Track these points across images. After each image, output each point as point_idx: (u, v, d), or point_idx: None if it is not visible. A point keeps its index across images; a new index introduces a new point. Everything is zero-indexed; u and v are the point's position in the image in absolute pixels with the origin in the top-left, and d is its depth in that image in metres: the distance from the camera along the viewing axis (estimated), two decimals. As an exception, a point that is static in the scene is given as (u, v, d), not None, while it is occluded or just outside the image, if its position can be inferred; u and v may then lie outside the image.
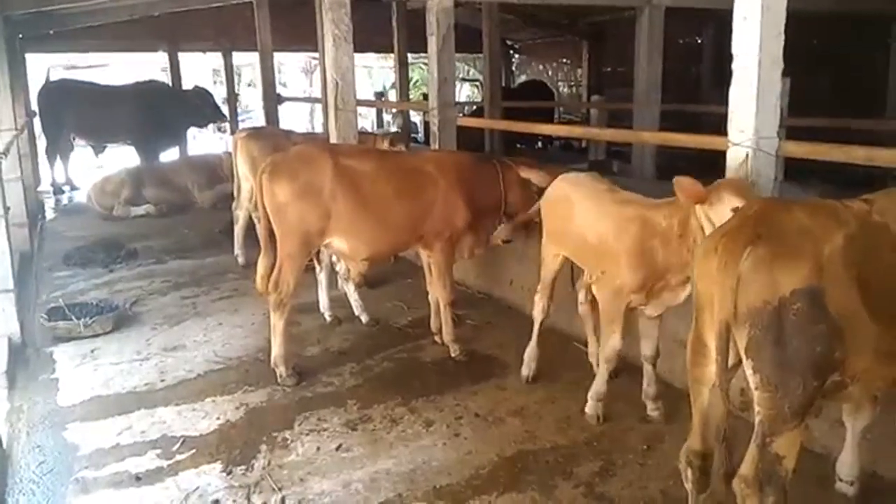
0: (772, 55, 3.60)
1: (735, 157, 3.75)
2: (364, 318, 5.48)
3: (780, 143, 3.79)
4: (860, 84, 10.82)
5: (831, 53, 10.91)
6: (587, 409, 3.90)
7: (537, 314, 4.35)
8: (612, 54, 15.14)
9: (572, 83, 17.18)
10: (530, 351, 4.41)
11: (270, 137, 7.13)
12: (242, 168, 6.91)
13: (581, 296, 4.33)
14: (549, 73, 17.85)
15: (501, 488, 3.29)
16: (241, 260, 7.08)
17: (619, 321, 3.64)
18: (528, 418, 3.97)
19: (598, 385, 3.87)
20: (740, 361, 2.37)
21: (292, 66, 21.66)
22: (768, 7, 3.51)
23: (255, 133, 7.29)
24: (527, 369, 4.41)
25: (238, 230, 7.14)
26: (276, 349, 4.47)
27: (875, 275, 2.40)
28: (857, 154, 3.60)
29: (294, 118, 16.85)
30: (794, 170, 7.28)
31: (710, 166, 4.33)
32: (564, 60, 17.41)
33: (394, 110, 14.75)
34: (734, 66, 3.70)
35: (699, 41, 13.02)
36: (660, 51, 8.97)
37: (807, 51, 9.84)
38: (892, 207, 2.69)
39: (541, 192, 4.57)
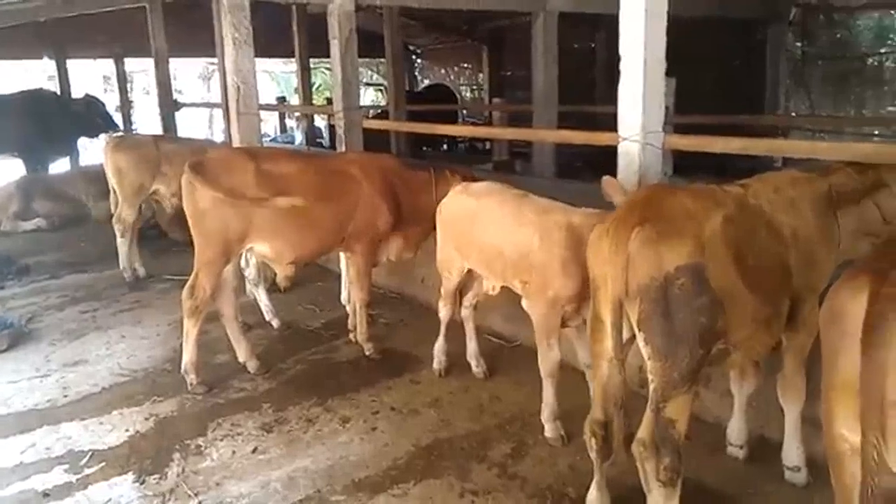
0: (656, 56, 3.85)
1: (625, 151, 3.99)
2: (275, 323, 5.45)
3: (665, 137, 4.06)
4: (740, 84, 11.60)
5: (714, 56, 11.63)
6: (548, 434, 3.64)
7: (444, 316, 4.48)
8: (511, 59, 15.55)
9: (474, 87, 17.52)
10: (439, 346, 4.52)
11: (137, 146, 6.84)
12: (110, 179, 6.68)
13: (467, 300, 4.42)
14: (452, 77, 18.14)
15: (419, 476, 3.38)
16: (127, 276, 6.73)
17: (555, 333, 3.51)
18: (442, 408, 4.08)
19: (549, 403, 3.63)
20: (634, 336, 2.56)
21: (189, 72, 21.05)
22: (651, 11, 3.76)
23: (121, 142, 6.98)
24: (437, 363, 4.50)
25: (120, 245, 6.75)
26: (187, 356, 4.39)
27: (751, 251, 2.65)
28: (735, 144, 3.91)
29: (192, 125, 16.37)
30: (683, 167, 7.78)
31: (606, 165, 4.56)
32: (466, 65, 17.74)
33: (298, 115, 14.61)
34: (622, 66, 3.93)
35: (593, 45, 13.58)
36: (555, 55, 9.29)
37: (692, 53, 10.41)
38: (766, 191, 2.98)
39: None
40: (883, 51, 11.44)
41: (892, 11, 10.93)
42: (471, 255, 4.03)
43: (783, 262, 2.81)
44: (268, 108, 12.16)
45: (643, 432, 2.50)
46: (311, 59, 13.13)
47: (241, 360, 4.63)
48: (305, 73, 12.61)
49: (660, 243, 2.44)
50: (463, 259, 4.11)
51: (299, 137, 14.27)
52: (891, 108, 10.92)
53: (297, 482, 3.39)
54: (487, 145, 13.43)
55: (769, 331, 2.80)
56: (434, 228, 4.77)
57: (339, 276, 5.83)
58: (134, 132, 12.73)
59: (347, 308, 5.66)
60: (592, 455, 2.81)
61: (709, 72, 11.24)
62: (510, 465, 3.46)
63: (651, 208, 2.58)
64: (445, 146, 14.87)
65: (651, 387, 2.48)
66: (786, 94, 11.68)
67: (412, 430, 3.83)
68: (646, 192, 2.80)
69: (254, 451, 3.69)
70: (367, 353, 4.83)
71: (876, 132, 10.69)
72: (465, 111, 16.41)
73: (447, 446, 3.66)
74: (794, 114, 11.62)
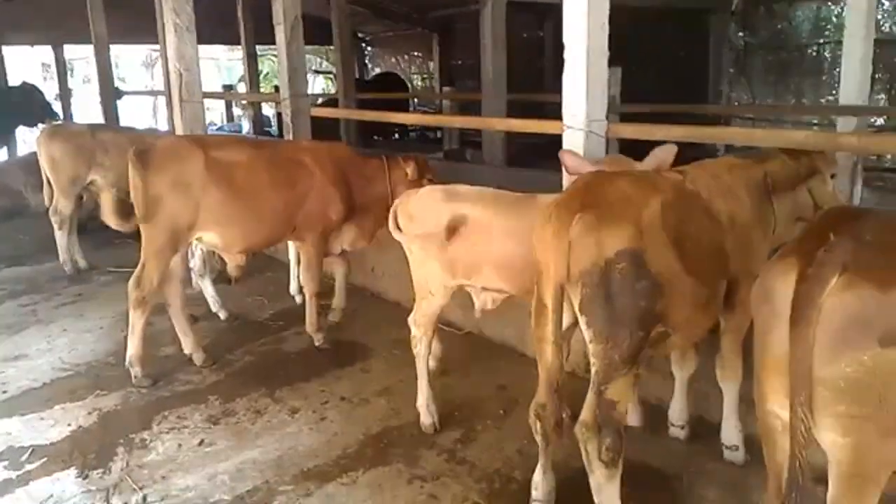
0: (598, 45, 3.91)
1: (570, 139, 4.04)
2: (223, 315, 5.37)
3: (609, 125, 4.12)
4: (685, 73, 11.83)
5: (660, 46, 11.82)
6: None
7: (423, 353, 3.68)
8: (461, 47, 15.52)
9: (425, 75, 17.46)
10: (426, 397, 3.72)
11: (72, 136, 6.65)
12: (44, 169, 6.49)
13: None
14: (403, 65, 18.04)
15: (368, 464, 3.39)
16: (67, 268, 6.59)
17: None
18: (393, 397, 4.09)
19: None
20: (577, 320, 2.61)
21: (132, 60, 20.48)
22: (594, 1, 3.80)
23: (55, 131, 6.77)
24: (428, 418, 3.70)
25: (59, 237, 6.58)
26: (133, 349, 4.31)
27: (689, 236, 2.71)
28: (676, 132, 3.98)
29: (136, 114, 15.94)
30: (630, 155, 7.90)
31: (556, 153, 4.59)
32: (416, 53, 17.66)
33: (244, 103, 14.36)
34: (566, 55, 3.98)
35: (541, 34, 13.66)
36: (504, 43, 9.32)
37: (638, 44, 10.57)
38: (703, 177, 3.05)
39: None
40: (821, 41, 11.78)
41: (830, 2, 11.28)
42: (478, 270, 3.42)
43: (720, 246, 2.88)
44: (212, 95, 11.92)
45: (585, 414, 2.55)
46: (259, 47, 12.92)
47: (187, 352, 4.56)
48: (252, 60, 12.41)
49: (600, 229, 2.48)
50: (456, 276, 3.48)
51: (246, 126, 14.05)
52: (829, 98, 11.27)
53: (245, 473, 3.36)
54: (439, 134, 13.42)
55: (707, 313, 2.88)
56: (387, 217, 4.77)
57: (287, 267, 5.77)
58: (72, 121, 12.32)
59: (297, 299, 5.63)
60: (538, 438, 2.86)
61: (655, 62, 11.42)
62: (459, 450, 3.49)
63: (591, 195, 2.62)
64: (397, 135, 14.81)
65: (593, 369, 2.53)
66: (728, 83, 11.97)
67: (362, 419, 3.83)
68: (586, 178, 2.84)
69: (200, 443, 3.64)
70: (317, 343, 4.80)
71: (815, 121, 11.02)
72: (416, 100, 16.36)
73: (397, 434, 3.67)
74: (736, 103, 11.91)
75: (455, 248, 3.41)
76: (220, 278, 5.75)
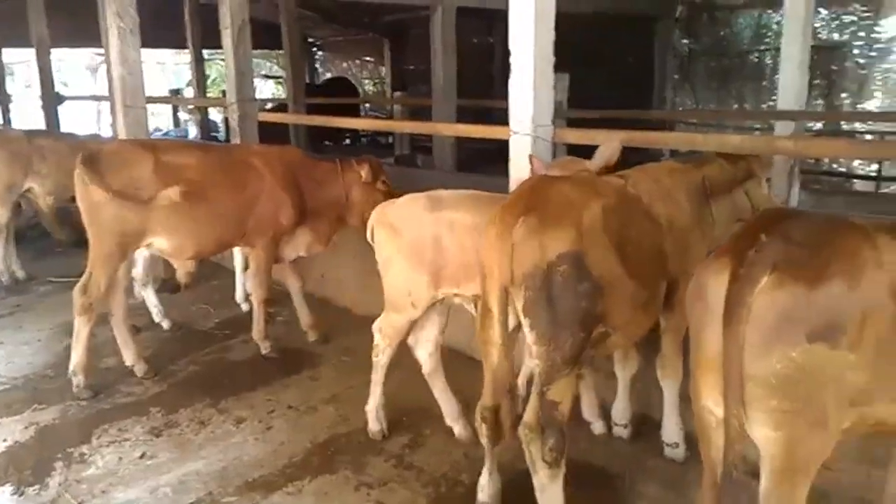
0: (544, 51, 3.94)
1: (517, 144, 4.07)
2: (166, 324, 5.26)
3: (555, 130, 4.16)
4: (631, 79, 12.06)
5: (607, 52, 12.04)
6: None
7: (384, 363, 3.60)
8: (412, 52, 15.55)
9: (377, 80, 17.44)
10: (375, 402, 3.68)
11: (7, 143, 6.42)
12: None
13: (427, 348, 3.63)
14: (354, 70, 17.99)
15: (314, 472, 3.36)
16: (4, 279, 6.40)
17: None
18: (341, 404, 4.05)
19: None
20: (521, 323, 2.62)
21: (76, 64, 19.93)
22: (540, 7, 3.84)
23: None
24: (376, 424, 3.68)
25: None
26: (77, 357, 4.21)
27: (630, 238, 2.76)
28: (619, 137, 4.05)
29: (79, 119, 15.51)
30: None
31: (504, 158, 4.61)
32: (368, 58, 17.63)
33: (191, 107, 14.12)
34: (512, 61, 4.00)
35: (491, 40, 13.77)
36: (454, 49, 9.38)
37: (585, 50, 10.72)
38: (644, 181, 3.11)
39: (388, 194, 4.38)
40: (761, 48, 12.15)
41: (770, 10, 11.65)
42: (468, 279, 3.21)
43: (660, 248, 2.94)
44: (157, 100, 11.69)
45: (529, 415, 2.57)
46: (207, 51, 12.72)
47: (128, 363, 4.45)
48: (199, 64, 12.21)
49: (542, 232, 2.50)
50: (440, 287, 3.32)
51: (193, 131, 13.81)
52: (770, 103, 11.62)
53: (189, 485, 3.30)
54: (390, 139, 13.41)
55: (647, 313, 2.93)
56: (343, 221, 4.74)
57: (233, 274, 5.68)
58: (10, 127, 11.92)
59: (243, 307, 5.55)
60: (483, 441, 2.87)
61: (602, 68, 11.62)
62: (407, 455, 3.48)
63: (534, 198, 2.64)
64: (348, 140, 14.74)
65: (536, 371, 2.56)
66: (673, 89, 12.26)
67: (309, 428, 3.79)
68: (530, 182, 2.86)
69: (142, 456, 3.56)
70: (264, 351, 4.73)
71: (757, 126, 11.37)
72: (367, 105, 16.32)
73: (345, 441, 3.64)
74: (680, 108, 12.20)
75: (443, 256, 3.27)
76: (164, 287, 5.64)
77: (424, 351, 3.59)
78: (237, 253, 5.50)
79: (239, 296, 5.58)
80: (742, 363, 1.92)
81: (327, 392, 4.21)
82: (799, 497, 2.03)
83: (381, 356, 3.58)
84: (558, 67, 4.05)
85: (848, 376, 1.94)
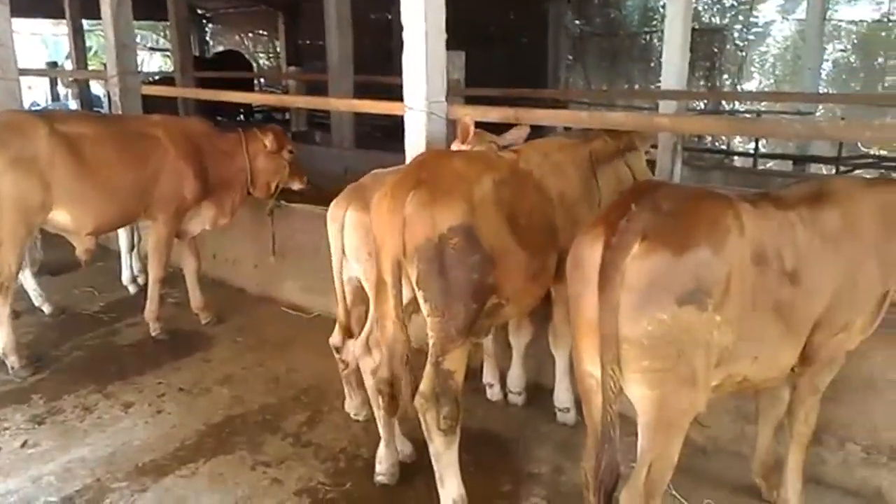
0: (436, 26, 3.94)
1: (411, 120, 4.08)
2: (47, 309, 4.97)
3: (448, 106, 4.20)
4: (527, 59, 12.28)
5: (503, 32, 12.20)
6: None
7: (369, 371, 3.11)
8: (308, 27, 15.22)
9: (271, 55, 16.96)
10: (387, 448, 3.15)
11: None
12: None
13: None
14: (247, 43, 17.41)
15: (209, 454, 3.30)
16: None
17: None
18: (235, 385, 3.98)
19: None
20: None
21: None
22: (431, -18, 3.84)
23: None
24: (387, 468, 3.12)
25: None
26: (4, 339, 4.05)
27: (521, 211, 2.84)
28: (509, 114, 4.13)
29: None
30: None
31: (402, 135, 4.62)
32: (262, 32, 17.11)
33: (70, 80, 13.27)
34: (404, 36, 3.99)
35: (389, 17, 13.64)
36: (350, 24, 9.23)
37: (482, 30, 10.84)
38: (535, 156, 3.20)
39: (294, 162, 4.54)
40: (649, 30, 12.63)
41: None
42: None
43: (550, 220, 3.03)
44: (32, 72, 10.88)
45: (424, 385, 2.61)
46: (88, 21, 11.97)
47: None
48: (78, 35, 11.51)
49: (433, 205, 2.53)
50: None
51: (73, 105, 13.01)
52: (658, 83, 12.16)
53: (74, 473, 3.17)
54: (286, 115, 13.09)
55: (539, 284, 3.03)
56: (248, 192, 4.70)
57: (118, 255, 5.43)
58: None
59: (130, 289, 5.34)
60: (379, 414, 2.90)
61: (499, 47, 11.78)
62: (304, 433, 3.47)
63: (426, 172, 2.67)
64: (241, 116, 14.29)
65: (430, 342, 2.60)
66: (566, 68, 12.57)
67: (202, 410, 3.71)
68: (422, 157, 2.89)
69: (23, 445, 3.39)
70: (153, 333, 4.57)
71: (646, 105, 11.86)
72: (262, 80, 15.85)
73: (240, 422, 3.59)
74: (573, 88, 12.54)
75: None
76: (43, 270, 5.33)
77: None
78: (122, 233, 5.26)
79: (125, 277, 5.35)
80: (616, 326, 2.03)
81: (221, 373, 4.12)
82: (673, 451, 2.18)
83: (367, 364, 3.09)
84: (456, 46, 4.08)
85: (715, 337, 2.09)
